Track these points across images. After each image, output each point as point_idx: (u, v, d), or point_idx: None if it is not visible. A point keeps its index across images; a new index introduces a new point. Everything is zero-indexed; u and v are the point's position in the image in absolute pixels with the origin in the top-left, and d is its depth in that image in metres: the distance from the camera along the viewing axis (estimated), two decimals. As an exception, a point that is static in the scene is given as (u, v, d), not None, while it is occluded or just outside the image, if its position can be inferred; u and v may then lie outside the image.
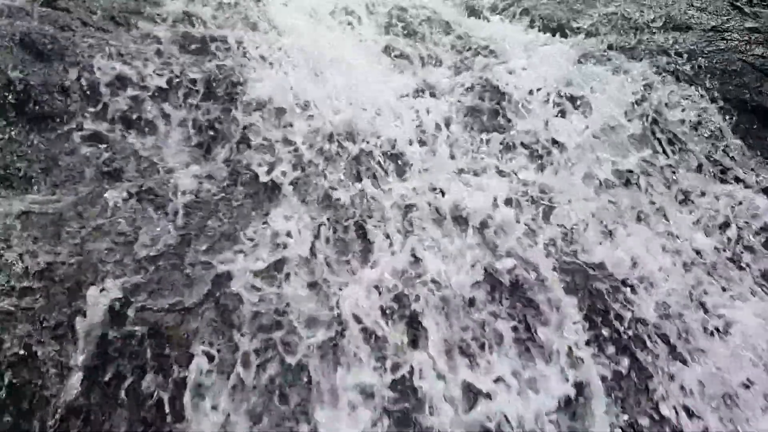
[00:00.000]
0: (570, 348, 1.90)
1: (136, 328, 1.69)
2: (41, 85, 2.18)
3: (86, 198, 1.95)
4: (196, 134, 2.27)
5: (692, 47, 3.07)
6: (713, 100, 2.82)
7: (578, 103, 2.72)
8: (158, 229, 1.93)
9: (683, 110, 2.79)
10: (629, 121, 2.68)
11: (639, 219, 2.37)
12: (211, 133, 2.29)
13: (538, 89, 2.73)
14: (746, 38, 3.07)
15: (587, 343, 1.94)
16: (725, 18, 3.25)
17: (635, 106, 2.74)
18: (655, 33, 3.25)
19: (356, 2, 3.35)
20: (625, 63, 2.96)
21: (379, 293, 1.89)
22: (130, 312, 1.71)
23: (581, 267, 2.13)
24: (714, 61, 3.00)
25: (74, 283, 1.74)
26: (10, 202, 1.87)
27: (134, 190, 2.01)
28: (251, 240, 1.97)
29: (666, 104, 2.78)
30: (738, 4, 3.34)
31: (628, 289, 2.11)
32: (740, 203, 2.50)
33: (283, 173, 2.20)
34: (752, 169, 2.65)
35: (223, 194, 2.10)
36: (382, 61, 2.97)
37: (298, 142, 2.31)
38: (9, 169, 1.98)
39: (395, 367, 1.76)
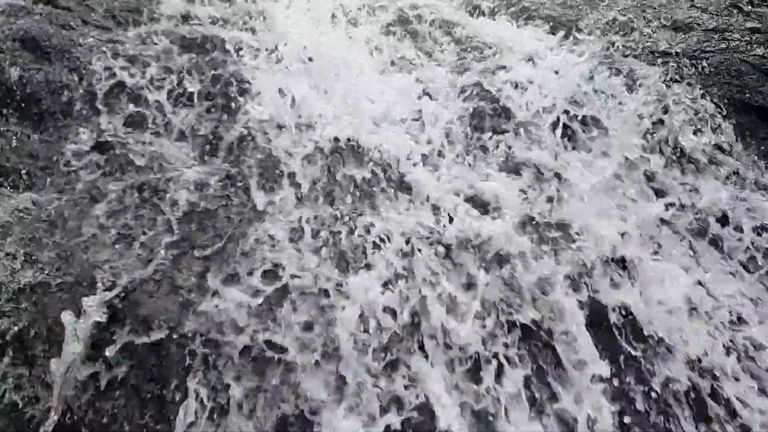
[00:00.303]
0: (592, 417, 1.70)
1: (121, 369, 1.57)
2: (41, 84, 2.18)
3: (81, 203, 1.94)
4: (194, 138, 2.25)
5: (694, 48, 3.05)
6: (715, 101, 2.80)
7: (594, 132, 2.50)
8: (151, 243, 1.85)
9: (692, 123, 2.63)
10: (648, 151, 2.47)
11: (664, 253, 2.15)
12: (211, 138, 2.25)
13: (546, 109, 2.51)
14: (747, 38, 3.05)
15: (615, 413, 1.73)
16: (726, 18, 3.24)
17: (652, 133, 2.54)
18: (657, 33, 3.23)
19: (358, 3, 3.33)
20: (637, 71, 2.82)
21: (379, 338, 1.75)
22: (112, 349, 1.58)
23: (604, 312, 1.91)
24: (715, 61, 2.98)
25: (59, 306, 1.65)
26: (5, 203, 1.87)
27: (131, 194, 1.98)
28: (246, 259, 1.86)
29: (681, 127, 2.59)
30: (739, 4, 3.32)
31: (658, 341, 1.88)
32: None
33: (282, 199, 2.10)
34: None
35: (219, 204, 2.04)
36: (384, 65, 2.91)
37: (298, 161, 2.20)
38: (7, 169, 1.98)
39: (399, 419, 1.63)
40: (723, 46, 3.05)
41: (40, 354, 1.58)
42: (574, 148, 2.46)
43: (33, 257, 1.74)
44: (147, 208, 1.96)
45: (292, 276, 1.84)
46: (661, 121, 2.59)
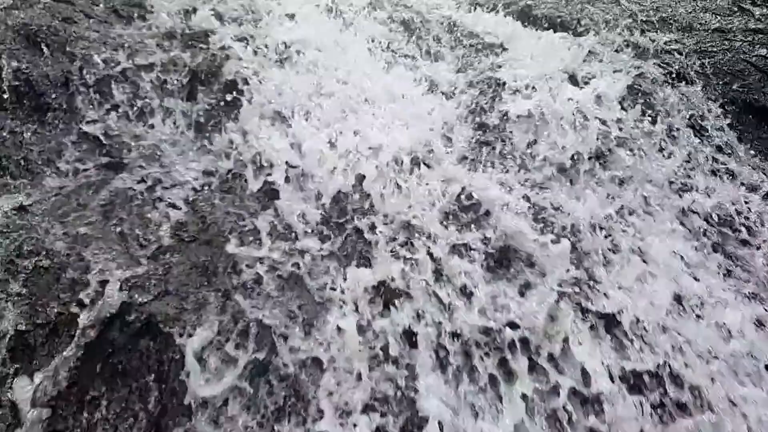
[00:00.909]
0: None
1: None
2: (44, 77, 2.15)
3: (78, 200, 1.90)
4: (192, 139, 2.22)
5: (702, 49, 3.04)
6: (717, 101, 2.80)
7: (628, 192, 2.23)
8: (144, 262, 1.76)
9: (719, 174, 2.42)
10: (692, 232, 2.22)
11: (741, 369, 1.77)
12: (209, 142, 2.20)
13: (573, 158, 2.27)
14: (750, 39, 3.06)
15: None
16: (729, 18, 3.25)
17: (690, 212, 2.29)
18: (659, 34, 3.23)
19: (360, 4, 3.31)
20: (658, 96, 2.63)
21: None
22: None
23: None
24: (718, 61, 2.98)
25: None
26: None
27: (128, 192, 1.95)
28: (227, 322, 1.69)
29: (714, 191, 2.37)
30: (742, 4, 3.33)
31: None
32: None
33: (272, 245, 1.93)
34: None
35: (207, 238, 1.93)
36: (388, 74, 2.81)
37: (294, 202, 2.03)
38: (10, 160, 1.95)
39: None
40: (725, 45, 3.06)
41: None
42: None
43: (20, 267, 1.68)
44: (140, 213, 1.92)
45: (273, 354, 1.65)
46: (707, 194, 2.38)
